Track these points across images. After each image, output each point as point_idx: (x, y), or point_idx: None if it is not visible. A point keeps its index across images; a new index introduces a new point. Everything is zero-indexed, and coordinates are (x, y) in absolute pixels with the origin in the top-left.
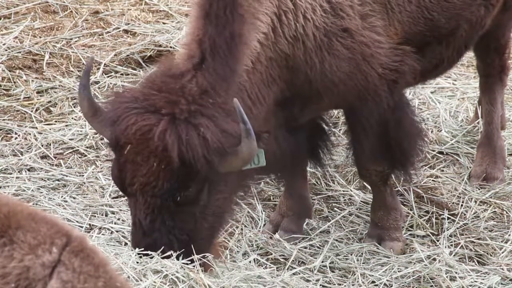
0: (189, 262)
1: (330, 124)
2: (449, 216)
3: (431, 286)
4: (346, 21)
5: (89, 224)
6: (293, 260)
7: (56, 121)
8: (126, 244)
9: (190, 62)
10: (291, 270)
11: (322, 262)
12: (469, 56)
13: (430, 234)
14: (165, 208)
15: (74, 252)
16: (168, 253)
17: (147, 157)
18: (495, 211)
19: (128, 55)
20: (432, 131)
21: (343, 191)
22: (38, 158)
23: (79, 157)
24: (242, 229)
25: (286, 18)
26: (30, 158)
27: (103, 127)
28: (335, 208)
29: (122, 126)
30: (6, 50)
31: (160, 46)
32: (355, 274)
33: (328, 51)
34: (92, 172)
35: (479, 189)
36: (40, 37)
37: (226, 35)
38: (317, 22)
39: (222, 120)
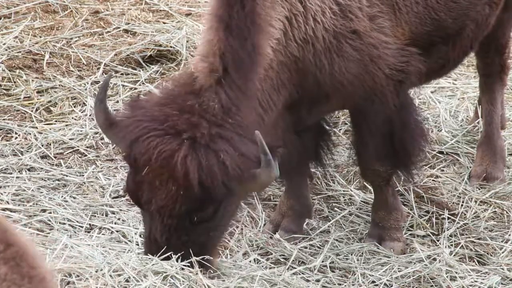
0: (189, 263)
1: (331, 124)
2: (449, 216)
3: (431, 286)
4: (355, 23)
5: (89, 224)
6: (293, 260)
7: (56, 121)
8: (126, 244)
9: (211, 77)
10: (291, 270)
11: (322, 262)
12: (469, 56)
13: (430, 234)
14: (181, 227)
15: (4, 260)
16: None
17: (166, 181)
18: (495, 211)
19: (128, 55)
20: (432, 131)
21: (343, 191)
22: (38, 158)
23: (79, 157)
24: (242, 229)
25: (296, 21)
26: (30, 158)
27: (119, 142)
28: (335, 208)
29: (142, 149)
30: (6, 49)
31: (160, 45)
32: (355, 274)
33: (337, 53)
34: (92, 172)
35: (479, 189)
36: (40, 37)
37: (248, 47)
38: (327, 24)
39: (240, 143)
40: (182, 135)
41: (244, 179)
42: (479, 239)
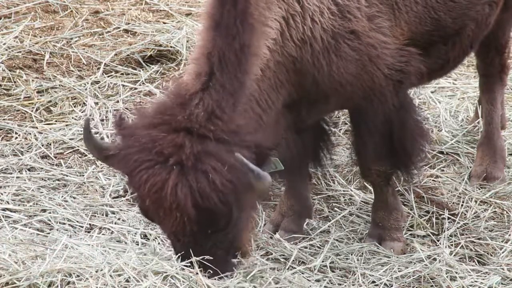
0: (189, 263)
1: (331, 124)
2: (449, 216)
3: (431, 286)
4: (353, 23)
5: (90, 224)
6: (293, 260)
7: (56, 121)
8: (126, 244)
9: (198, 81)
10: (291, 270)
11: (323, 262)
12: (469, 56)
13: (431, 234)
14: (199, 239)
15: None
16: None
17: (169, 210)
18: (495, 211)
19: (128, 55)
20: (432, 131)
21: (343, 191)
22: (38, 157)
23: (80, 157)
24: None
25: (294, 21)
26: (30, 158)
27: (119, 173)
28: (336, 208)
29: (136, 184)
30: (7, 49)
31: (160, 45)
32: (355, 274)
33: (335, 53)
34: (93, 172)
35: (479, 189)
36: (40, 37)
37: (236, 47)
38: (325, 25)
39: (227, 154)
40: (169, 160)
41: (240, 189)
42: (479, 239)
